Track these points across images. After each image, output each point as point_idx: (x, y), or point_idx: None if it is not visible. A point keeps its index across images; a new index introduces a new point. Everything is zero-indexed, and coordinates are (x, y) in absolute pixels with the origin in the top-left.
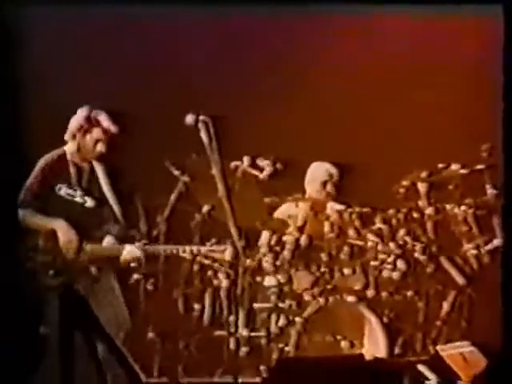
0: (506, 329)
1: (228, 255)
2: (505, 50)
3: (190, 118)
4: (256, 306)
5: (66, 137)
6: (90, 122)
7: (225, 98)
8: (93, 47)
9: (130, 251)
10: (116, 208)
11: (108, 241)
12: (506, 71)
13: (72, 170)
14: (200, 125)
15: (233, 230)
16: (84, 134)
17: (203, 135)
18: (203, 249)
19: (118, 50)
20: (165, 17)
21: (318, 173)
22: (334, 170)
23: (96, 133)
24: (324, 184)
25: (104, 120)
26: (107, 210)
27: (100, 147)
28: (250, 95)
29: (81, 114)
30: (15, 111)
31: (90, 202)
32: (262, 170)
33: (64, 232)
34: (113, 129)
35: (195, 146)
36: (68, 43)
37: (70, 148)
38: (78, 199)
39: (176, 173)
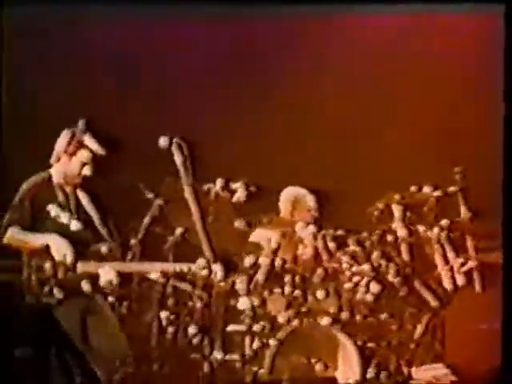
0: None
1: (219, 274)
2: (506, 50)
3: (163, 141)
4: (229, 328)
5: (52, 160)
6: (75, 145)
7: (199, 120)
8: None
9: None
10: (102, 230)
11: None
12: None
13: (58, 192)
14: (173, 147)
15: (207, 253)
16: (70, 156)
17: (176, 158)
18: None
19: (83, 72)
20: (138, 33)
21: (292, 197)
22: (308, 195)
23: (82, 155)
24: (299, 208)
25: (90, 142)
26: (94, 231)
27: (86, 170)
28: (224, 117)
29: (65, 135)
30: None
31: (75, 225)
32: (235, 192)
33: (59, 246)
34: (100, 151)
35: (169, 169)
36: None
37: (55, 171)
38: (64, 220)
39: (150, 195)
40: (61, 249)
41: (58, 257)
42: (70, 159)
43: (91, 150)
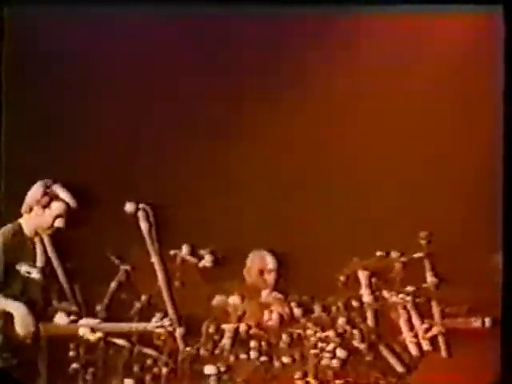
0: None
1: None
2: (506, 52)
3: (129, 206)
4: None
5: (23, 210)
6: (49, 196)
7: (164, 186)
8: None
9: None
10: (65, 286)
11: (60, 317)
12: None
13: (28, 244)
14: (140, 213)
15: (173, 318)
16: (43, 208)
17: (142, 224)
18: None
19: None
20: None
21: (256, 261)
22: (271, 259)
23: (56, 208)
24: (262, 273)
25: (64, 194)
26: (59, 286)
27: (59, 223)
28: (190, 183)
29: (38, 187)
30: None
31: (39, 277)
32: (201, 258)
33: (22, 317)
34: (72, 204)
35: (136, 233)
36: None
37: (26, 221)
38: (34, 276)
39: (116, 261)
40: (24, 321)
41: (19, 329)
42: (43, 211)
43: (65, 202)
